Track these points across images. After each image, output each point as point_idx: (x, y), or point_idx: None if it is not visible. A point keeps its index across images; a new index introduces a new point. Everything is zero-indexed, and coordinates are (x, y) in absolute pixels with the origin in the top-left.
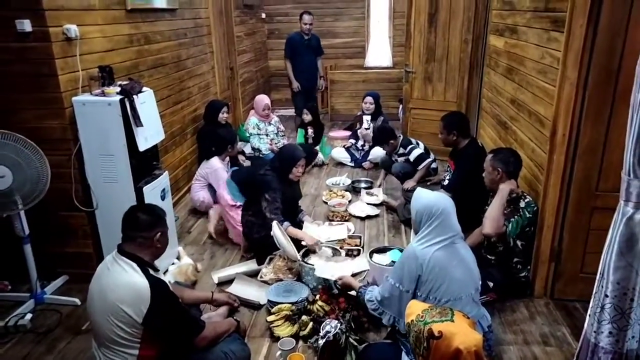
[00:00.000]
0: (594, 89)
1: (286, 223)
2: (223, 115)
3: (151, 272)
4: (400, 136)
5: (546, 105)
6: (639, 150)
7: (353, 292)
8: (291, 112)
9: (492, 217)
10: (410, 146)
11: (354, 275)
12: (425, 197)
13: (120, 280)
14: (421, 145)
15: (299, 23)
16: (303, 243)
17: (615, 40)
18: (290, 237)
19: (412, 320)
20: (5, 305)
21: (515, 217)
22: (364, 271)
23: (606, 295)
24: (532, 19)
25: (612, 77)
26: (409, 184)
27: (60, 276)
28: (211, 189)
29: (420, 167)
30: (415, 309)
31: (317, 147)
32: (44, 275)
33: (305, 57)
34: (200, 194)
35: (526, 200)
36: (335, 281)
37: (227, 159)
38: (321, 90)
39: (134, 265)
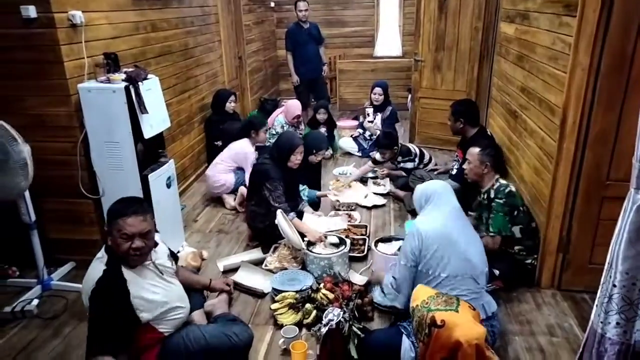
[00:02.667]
0: (606, 74)
1: (291, 214)
2: (230, 105)
3: (123, 268)
4: (399, 145)
5: (557, 92)
6: None
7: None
8: None
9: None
10: (407, 157)
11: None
12: (420, 186)
13: (91, 269)
14: (418, 153)
15: (295, 12)
16: (306, 238)
17: (630, 23)
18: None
19: (416, 305)
20: (12, 291)
21: (491, 215)
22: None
23: (614, 286)
24: (544, 3)
25: (625, 62)
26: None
27: (67, 263)
28: (238, 172)
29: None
30: (421, 294)
31: (331, 143)
32: (51, 262)
33: (307, 47)
34: (223, 177)
35: (495, 187)
36: (340, 272)
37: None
38: (327, 77)
39: (105, 256)
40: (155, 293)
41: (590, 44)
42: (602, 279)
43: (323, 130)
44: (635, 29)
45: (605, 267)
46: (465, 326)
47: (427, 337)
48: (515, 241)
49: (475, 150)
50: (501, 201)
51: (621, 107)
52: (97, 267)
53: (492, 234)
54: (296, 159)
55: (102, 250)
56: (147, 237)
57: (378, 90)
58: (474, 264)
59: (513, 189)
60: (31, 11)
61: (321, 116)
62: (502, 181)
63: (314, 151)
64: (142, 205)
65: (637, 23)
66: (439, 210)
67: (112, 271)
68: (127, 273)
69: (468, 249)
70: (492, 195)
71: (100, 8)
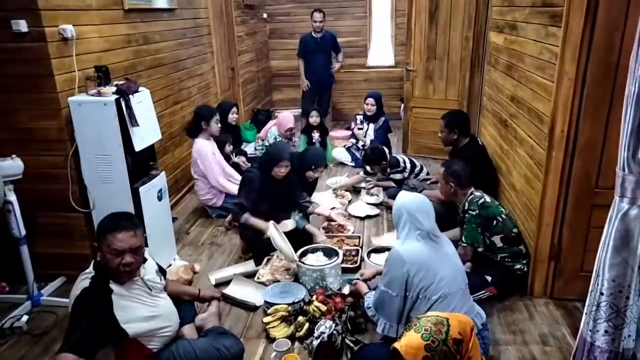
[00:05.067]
0: (592, 84)
1: (246, 215)
2: (233, 116)
3: (112, 283)
4: (389, 157)
5: (545, 101)
6: (634, 145)
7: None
8: (295, 112)
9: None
10: (395, 168)
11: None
12: (397, 199)
13: (77, 282)
14: (408, 165)
15: (310, 21)
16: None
17: (613, 34)
18: (288, 237)
19: (427, 355)
20: (2, 307)
21: (464, 226)
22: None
23: (601, 293)
24: (531, 14)
25: (610, 72)
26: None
27: (58, 278)
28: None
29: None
30: (413, 347)
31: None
32: (42, 277)
33: (316, 57)
34: (206, 193)
35: (469, 199)
36: (332, 284)
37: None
38: (334, 72)
39: (92, 273)
40: (143, 311)
41: (576, 53)
42: (590, 286)
43: (316, 135)
44: (619, 39)
45: (593, 275)
46: (458, 316)
47: (460, 355)
48: (498, 249)
49: (440, 171)
50: (474, 212)
51: (608, 116)
52: (85, 281)
53: (464, 244)
54: (280, 171)
55: (91, 266)
56: (137, 252)
57: (370, 100)
58: (461, 279)
59: (488, 199)
60: (22, 25)
61: (314, 119)
62: (477, 193)
63: (313, 167)
64: (132, 220)
65: (621, 33)
66: (415, 231)
67: (99, 283)
68: (114, 287)
69: (450, 266)
70: (465, 207)
71: (91, 21)
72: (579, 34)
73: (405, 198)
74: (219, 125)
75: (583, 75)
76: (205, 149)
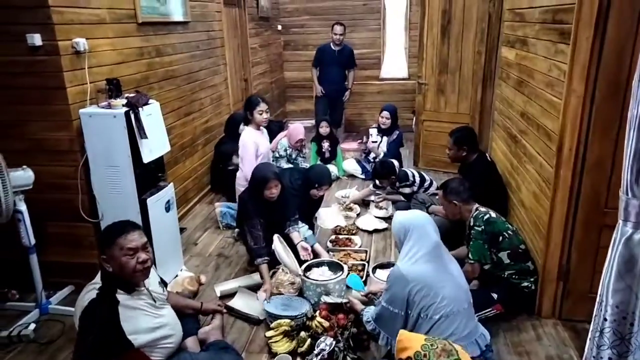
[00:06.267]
0: (601, 102)
1: (259, 260)
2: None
3: (120, 293)
4: (398, 170)
5: (553, 119)
6: (637, 168)
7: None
8: (307, 123)
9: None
10: (404, 182)
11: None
12: (399, 217)
13: (84, 292)
14: (417, 179)
15: (331, 33)
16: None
17: (622, 53)
18: (293, 251)
19: (408, 357)
20: (11, 315)
21: (471, 242)
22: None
23: (605, 319)
24: (541, 30)
25: (619, 91)
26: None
27: (66, 286)
28: None
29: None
30: (410, 342)
31: (334, 162)
32: (51, 285)
33: (331, 68)
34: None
35: (474, 215)
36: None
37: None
38: (345, 101)
39: (99, 283)
40: (148, 322)
41: (585, 71)
42: (594, 311)
43: (326, 145)
44: (628, 58)
45: (597, 299)
46: None
47: None
48: (505, 266)
49: (440, 193)
50: (479, 229)
51: (617, 135)
52: (92, 292)
53: (471, 261)
54: (271, 192)
55: (98, 276)
56: (148, 250)
57: (385, 114)
58: (464, 299)
59: (493, 215)
60: (36, 39)
61: (323, 129)
62: (482, 209)
63: (317, 185)
64: (133, 222)
65: (631, 52)
66: (419, 249)
67: (106, 293)
68: (121, 298)
69: (453, 285)
70: (471, 224)
71: (105, 35)
72: (588, 51)
73: (407, 214)
74: (265, 116)
75: (592, 93)
76: (248, 139)
